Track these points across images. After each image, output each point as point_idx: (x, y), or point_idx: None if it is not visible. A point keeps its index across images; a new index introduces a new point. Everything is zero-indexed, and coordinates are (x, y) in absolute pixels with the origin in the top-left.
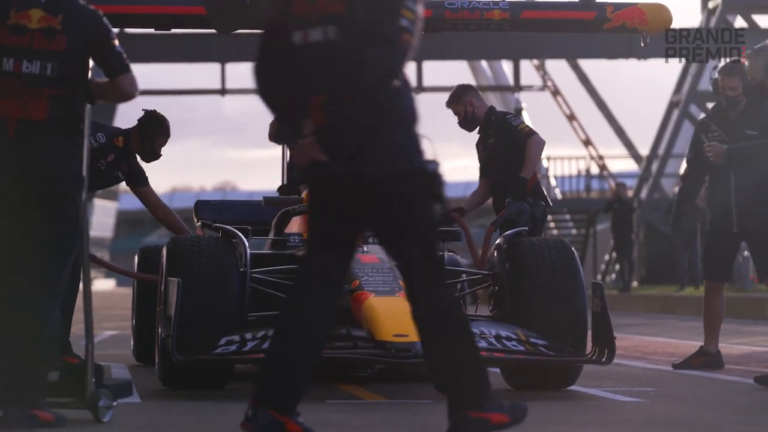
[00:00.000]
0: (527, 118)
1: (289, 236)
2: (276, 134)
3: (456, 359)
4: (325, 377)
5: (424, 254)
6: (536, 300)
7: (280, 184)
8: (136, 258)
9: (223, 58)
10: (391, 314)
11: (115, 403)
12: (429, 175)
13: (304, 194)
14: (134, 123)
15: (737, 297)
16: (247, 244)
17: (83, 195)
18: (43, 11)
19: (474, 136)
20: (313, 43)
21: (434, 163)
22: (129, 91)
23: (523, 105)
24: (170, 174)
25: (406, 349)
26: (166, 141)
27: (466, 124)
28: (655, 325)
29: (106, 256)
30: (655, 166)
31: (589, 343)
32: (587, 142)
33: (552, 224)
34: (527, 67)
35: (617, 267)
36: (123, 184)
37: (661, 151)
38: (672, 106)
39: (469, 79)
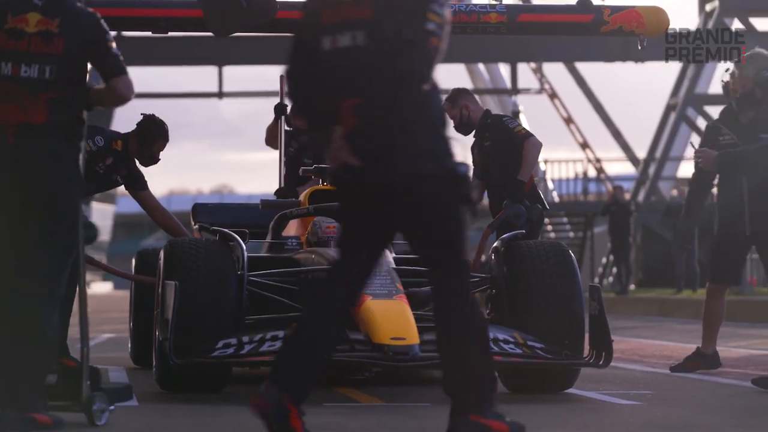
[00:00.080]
0: (525, 121)
1: (286, 239)
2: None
3: (469, 363)
4: (322, 380)
5: (452, 256)
6: (534, 303)
7: (277, 187)
8: (134, 261)
9: (220, 61)
10: (389, 317)
11: (112, 407)
12: (458, 177)
13: (301, 197)
14: (133, 127)
15: (735, 300)
16: (244, 247)
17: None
18: (41, 14)
19: (469, 138)
20: (342, 48)
21: (464, 166)
22: (125, 94)
23: (521, 108)
24: (167, 177)
25: (403, 352)
26: (165, 145)
27: (461, 128)
28: (652, 328)
29: (104, 260)
30: (652, 169)
31: (587, 346)
32: (584, 145)
33: (549, 227)
34: (524, 70)
35: (614, 270)
36: (120, 187)
37: (658, 154)
38: (669, 109)
39: (466, 82)
